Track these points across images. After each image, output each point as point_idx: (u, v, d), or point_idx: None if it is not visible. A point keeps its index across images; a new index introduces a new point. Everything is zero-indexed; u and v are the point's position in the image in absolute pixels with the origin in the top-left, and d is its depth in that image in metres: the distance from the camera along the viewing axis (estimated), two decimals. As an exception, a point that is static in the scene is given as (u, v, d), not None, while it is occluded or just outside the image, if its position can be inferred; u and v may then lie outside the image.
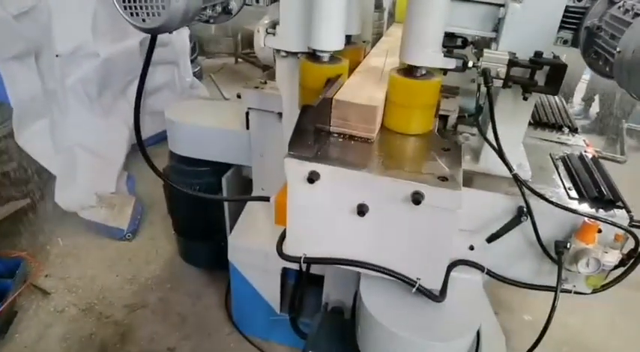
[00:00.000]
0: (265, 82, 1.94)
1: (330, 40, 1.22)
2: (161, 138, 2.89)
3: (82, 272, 2.61)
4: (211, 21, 1.25)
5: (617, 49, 0.89)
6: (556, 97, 2.03)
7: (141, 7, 1.00)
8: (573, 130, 1.72)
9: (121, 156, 3.18)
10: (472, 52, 1.48)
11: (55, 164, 2.84)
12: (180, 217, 2.42)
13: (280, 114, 1.85)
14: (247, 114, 1.97)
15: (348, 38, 1.45)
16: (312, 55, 1.28)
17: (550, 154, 1.51)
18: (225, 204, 2.24)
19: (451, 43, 1.38)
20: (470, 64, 1.15)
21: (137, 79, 3.32)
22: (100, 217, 2.84)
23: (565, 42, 1.17)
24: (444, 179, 1.04)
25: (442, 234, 1.08)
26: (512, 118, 1.24)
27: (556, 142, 1.64)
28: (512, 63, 1.10)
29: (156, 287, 2.55)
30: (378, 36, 1.84)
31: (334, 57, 1.29)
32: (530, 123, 1.74)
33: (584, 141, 1.69)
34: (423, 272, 1.13)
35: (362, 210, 1.06)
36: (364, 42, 1.58)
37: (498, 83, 1.12)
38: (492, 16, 1.20)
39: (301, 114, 1.04)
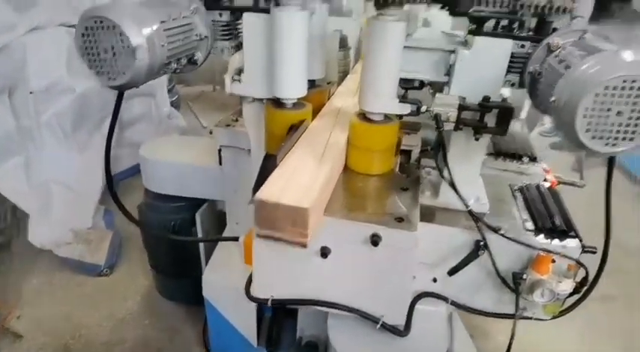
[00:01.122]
0: (237, 119, 1.98)
1: (292, 88, 1.28)
2: (138, 170, 2.91)
3: (57, 311, 2.57)
4: (177, 71, 1.29)
5: (552, 99, 0.96)
6: (518, 125, 2.13)
7: (106, 67, 1.05)
8: (533, 159, 1.80)
9: (97, 190, 3.16)
10: (429, 92, 1.56)
11: (29, 202, 2.82)
12: (156, 253, 2.42)
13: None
14: (220, 151, 2.01)
15: (312, 82, 1.52)
16: (277, 101, 1.34)
17: (509, 185, 1.58)
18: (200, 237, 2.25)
19: (408, 84, 1.46)
20: (423, 108, 1.22)
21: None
22: (76, 254, 2.81)
23: (513, 85, 1.25)
24: (400, 220, 1.09)
25: (401, 271, 1.13)
26: (466, 157, 1.30)
27: (516, 172, 1.72)
28: (462, 107, 1.18)
29: (134, 323, 2.52)
30: (344, 74, 1.91)
31: (298, 102, 1.35)
32: (491, 154, 1.83)
33: (543, 169, 1.78)
34: (386, 308, 1.17)
35: (324, 253, 1.10)
36: (329, 83, 1.65)
37: (450, 126, 1.19)
38: (444, 62, 1.27)
39: (263, 162, 1.08)
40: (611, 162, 1.09)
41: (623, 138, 0.90)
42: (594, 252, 1.31)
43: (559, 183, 1.89)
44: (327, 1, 1.53)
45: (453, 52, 1.24)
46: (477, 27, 1.19)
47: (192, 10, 1.25)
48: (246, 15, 1.28)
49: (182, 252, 2.30)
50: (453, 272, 1.33)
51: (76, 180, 3.08)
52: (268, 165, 1.06)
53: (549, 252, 1.22)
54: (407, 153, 1.66)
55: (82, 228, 2.93)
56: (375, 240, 1.05)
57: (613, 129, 0.90)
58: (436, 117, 1.16)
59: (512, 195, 1.53)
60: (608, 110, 0.88)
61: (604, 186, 1.17)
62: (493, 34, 1.18)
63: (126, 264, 2.95)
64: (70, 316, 2.53)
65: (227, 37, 1.34)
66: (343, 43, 1.88)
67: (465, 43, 1.25)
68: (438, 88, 1.46)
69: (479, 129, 1.20)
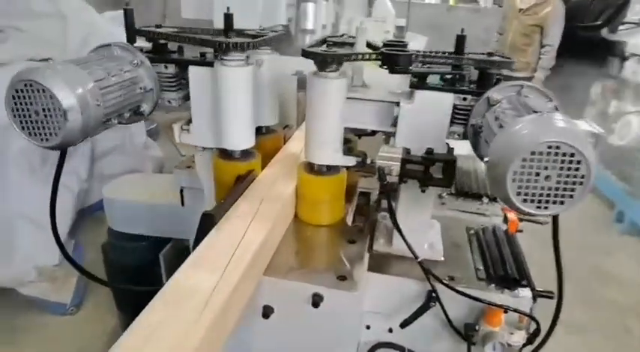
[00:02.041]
0: (198, 160, 1.96)
1: (239, 139, 1.27)
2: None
3: (19, 355, 2.49)
4: (124, 122, 1.28)
5: (485, 159, 0.96)
6: (481, 164, 2.13)
7: (37, 129, 1.03)
8: (493, 199, 1.80)
9: (65, 224, 3.10)
10: (382, 137, 1.56)
11: (-8, 238, 2.76)
12: (121, 294, 2.36)
13: (214, 192, 1.88)
14: (182, 191, 1.98)
15: (267, 127, 1.51)
16: (225, 151, 1.32)
17: (466, 228, 1.57)
18: (164, 278, 2.20)
19: (360, 131, 1.46)
20: (369, 161, 1.22)
21: (83, 145, 3.26)
22: (40, 292, 2.74)
23: (458, 135, 1.25)
24: (342, 278, 1.07)
25: (346, 331, 1.10)
26: (415, 207, 1.30)
27: (475, 213, 1.72)
28: (405, 160, 1.17)
29: (99, 365, 2.45)
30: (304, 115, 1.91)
31: (247, 151, 1.34)
32: (452, 194, 1.83)
33: (502, 209, 1.78)
34: (333, 368, 1.14)
35: (266, 313, 1.08)
36: (286, 127, 1.64)
37: (394, 179, 1.19)
38: (389, 113, 1.28)
39: (200, 222, 1.06)
40: (555, 220, 1.08)
41: (554, 202, 0.90)
42: (551, 297, 1.30)
43: (520, 220, 1.89)
44: (288, 46, 1.53)
45: (397, 103, 1.25)
46: (419, 80, 1.19)
47: (135, 64, 1.24)
48: (191, 68, 1.27)
49: (148, 292, 2.25)
50: (404, 324, 1.30)
51: (42, 214, 2.99)
52: (205, 225, 1.04)
53: (496, 305, 1.21)
54: (366, 195, 1.66)
55: (48, 265, 2.86)
56: (315, 301, 1.03)
57: (543, 193, 0.89)
58: (379, 171, 1.16)
59: (468, 240, 1.52)
60: (537, 174, 0.88)
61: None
62: (434, 87, 1.19)
63: (93, 301, 2.87)
64: (32, 360, 2.45)
65: (174, 89, 1.33)
66: (303, 84, 1.88)
67: (409, 96, 1.25)
68: (389, 135, 1.46)
69: (424, 181, 1.20)
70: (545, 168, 0.87)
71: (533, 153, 0.86)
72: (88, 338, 2.61)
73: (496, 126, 1.01)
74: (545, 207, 0.91)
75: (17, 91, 1.00)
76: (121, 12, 1.32)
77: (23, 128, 1.04)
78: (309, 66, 2.04)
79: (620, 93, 4.57)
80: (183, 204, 2.02)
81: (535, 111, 0.95)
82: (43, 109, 1.01)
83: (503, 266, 1.34)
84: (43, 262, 2.83)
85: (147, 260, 2.18)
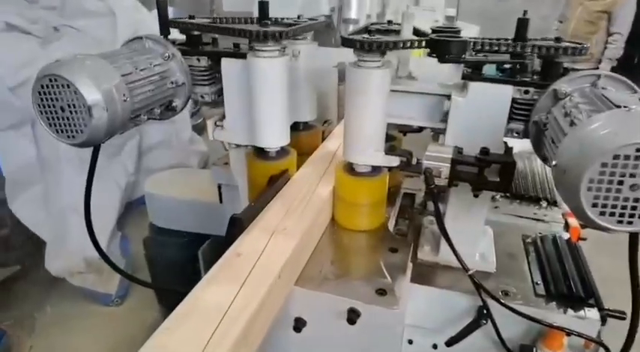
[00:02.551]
0: (236, 157, 1.91)
1: (272, 138, 1.19)
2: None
3: (66, 343, 2.56)
4: (155, 118, 1.23)
5: (553, 163, 0.82)
6: (538, 161, 1.94)
7: (64, 126, 0.99)
8: (552, 203, 1.62)
9: (112, 217, 3.18)
10: (430, 134, 1.43)
11: (46, 230, 2.87)
12: (162, 290, 2.37)
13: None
14: (219, 188, 1.94)
15: (304, 123, 1.42)
16: (259, 149, 1.25)
17: (522, 237, 1.41)
18: (203, 275, 2.18)
19: (406, 128, 1.33)
20: (414, 161, 1.10)
21: (131, 140, 3.34)
22: (88, 283, 2.82)
23: (517, 134, 1.10)
24: (382, 292, 0.97)
25: (384, 350, 0.99)
26: (466, 213, 1.16)
27: (532, 219, 1.55)
28: (456, 161, 1.04)
29: (140, 357, 2.48)
30: (346, 109, 1.80)
31: (282, 149, 1.25)
32: (506, 196, 1.66)
33: (563, 214, 1.59)
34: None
35: (298, 326, 0.99)
36: (325, 122, 1.54)
37: (442, 182, 1.06)
38: (439, 108, 1.14)
39: (229, 226, 0.99)
40: (633, 239, 0.90)
41: None
42: (623, 318, 1.13)
43: (583, 227, 1.69)
44: (329, 37, 1.43)
45: (448, 97, 1.11)
46: (473, 71, 1.05)
47: (166, 57, 1.18)
48: (224, 60, 1.20)
49: (188, 287, 2.24)
50: (451, 343, 1.18)
51: (92, 207, 3.10)
52: (234, 230, 0.97)
53: (559, 328, 1.05)
54: (411, 197, 1.53)
55: (95, 257, 2.94)
56: (351, 317, 0.93)
57: (627, 205, 0.74)
58: (425, 174, 1.03)
59: (524, 249, 1.36)
60: (620, 183, 0.72)
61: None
62: (491, 79, 1.04)
63: (137, 294, 2.92)
64: (77, 348, 2.52)
65: (207, 83, 1.27)
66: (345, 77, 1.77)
67: (461, 88, 1.12)
68: (438, 132, 1.33)
69: (477, 185, 1.06)
70: (632, 175, 0.71)
71: (616, 156, 0.70)
72: (131, 329, 2.65)
73: (566, 123, 0.86)
74: (629, 222, 0.75)
75: (43, 87, 0.97)
76: (171, 9, 1.27)
77: (50, 125, 1.00)
78: (351, 57, 1.94)
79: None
80: (221, 200, 1.98)
81: (617, 106, 0.79)
82: (69, 105, 0.96)
83: (567, 283, 1.18)
84: (91, 254, 2.91)
85: (186, 256, 2.17)
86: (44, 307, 2.81)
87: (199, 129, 4.92)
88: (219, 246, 2.25)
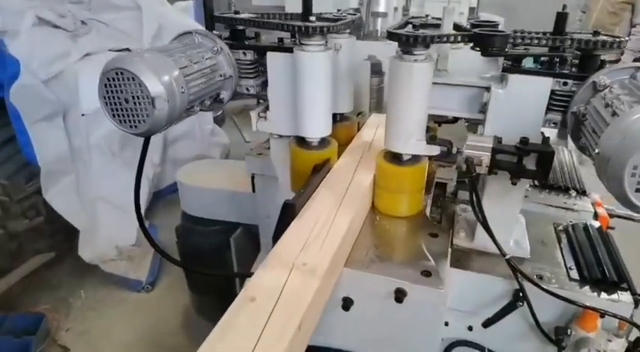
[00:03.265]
0: (269, 148, 1.97)
1: (316, 128, 1.25)
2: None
3: (101, 327, 2.67)
4: (205, 109, 1.29)
5: (596, 151, 0.86)
6: (566, 151, 1.97)
7: (127, 116, 1.06)
8: (581, 193, 1.66)
9: (141, 207, 3.27)
10: (464, 125, 1.47)
11: (79, 218, 2.97)
12: (192, 275, 2.46)
13: (284, 179, 1.89)
14: (252, 178, 2.01)
15: (341, 115, 1.47)
16: (301, 139, 1.30)
17: (554, 224, 1.45)
18: (234, 262, 2.26)
19: (441, 118, 1.38)
20: (454, 150, 1.14)
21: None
22: (119, 270, 2.92)
23: (555, 124, 1.14)
24: (427, 274, 1.02)
25: (428, 327, 1.05)
26: (503, 201, 1.21)
27: (562, 208, 1.59)
28: (496, 150, 1.09)
29: (171, 342, 2.58)
30: (378, 100, 1.85)
31: (323, 139, 1.31)
32: (535, 186, 1.70)
33: (592, 204, 1.63)
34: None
35: (347, 305, 1.05)
36: (359, 114, 1.60)
37: (483, 170, 1.11)
38: (478, 99, 1.19)
39: (282, 212, 1.05)
40: None
41: (680, 200, 0.79)
42: (648, 302, 1.17)
43: (611, 216, 1.73)
44: (357, 31, 1.48)
45: (487, 89, 1.16)
46: (513, 64, 1.10)
47: (215, 51, 1.24)
48: (270, 54, 1.26)
49: (218, 274, 2.32)
50: (487, 324, 1.23)
51: (121, 197, 3.20)
52: (287, 215, 1.03)
53: (594, 309, 1.10)
54: (442, 186, 1.58)
55: (126, 245, 3.04)
56: (398, 297, 0.99)
57: (667, 190, 0.79)
58: (467, 163, 1.08)
59: (556, 237, 1.40)
60: (661, 169, 0.77)
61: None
62: (530, 71, 1.09)
63: (166, 281, 3.02)
64: (111, 332, 2.63)
65: (252, 76, 1.33)
66: (376, 69, 1.82)
67: (500, 80, 1.16)
68: (473, 123, 1.37)
69: (516, 173, 1.11)
70: (673, 162, 0.76)
71: (659, 145, 0.75)
72: (162, 315, 2.75)
73: (608, 113, 0.91)
74: (668, 206, 0.80)
75: (109, 80, 1.03)
76: (191, 2, 1.33)
77: (114, 115, 1.07)
78: (380, 50, 1.99)
79: None
80: (254, 190, 2.04)
81: (659, 97, 0.84)
82: (133, 97, 1.03)
83: (600, 268, 1.22)
84: (122, 242, 3.01)
85: (218, 243, 2.25)
86: (78, 292, 2.92)
87: (219, 121, 5.00)
88: (250, 234, 2.33)
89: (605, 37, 1.08)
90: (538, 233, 1.42)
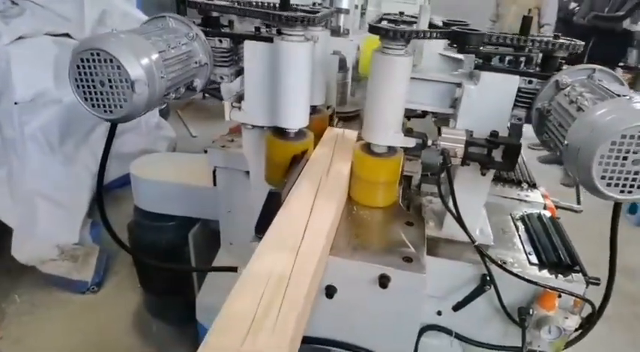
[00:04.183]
0: (232, 140, 1.94)
1: (296, 119, 1.25)
2: (127, 181, 2.84)
3: (40, 332, 2.48)
4: (178, 97, 1.25)
5: (565, 143, 0.94)
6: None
7: (102, 100, 1.00)
8: (532, 186, 1.79)
9: (84, 204, 3.08)
10: (432, 119, 1.54)
11: (13, 216, 2.73)
12: (146, 273, 2.35)
13: (247, 172, 1.86)
14: (214, 171, 1.96)
15: (314, 107, 1.48)
16: (278, 130, 1.30)
17: (511, 214, 1.56)
18: (192, 258, 2.20)
19: (411, 113, 1.43)
20: (429, 142, 1.19)
21: (99, 125, 3.22)
22: (61, 270, 2.73)
23: (519, 119, 1.23)
24: (408, 260, 1.06)
25: (410, 312, 1.09)
26: (471, 191, 1.28)
27: (516, 199, 1.71)
28: (469, 143, 1.15)
29: (122, 344, 2.45)
30: (342, 96, 1.88)
31: (300, 131, 1.31)
32: (492, 179, 1.81)
33: (542, 196, 1.77)
34: (392, 346, 1.14)
35: (330, 293, 1.07)
36: (329, 107, 1.61)
37: (457, 161, 1.17)
38: (449, 94, 1.25)
39: (267, 199, 1.04)
40: (617, 207, 1.07)
41: (639, 187, 0.88)
42: (598, 284, 1.30)
43: (557, 207, 1.89)
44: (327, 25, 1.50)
45: (458, 85, 1.22)
46: (484, 62, 1.17)
47: (190, 37, 1.20)
48: (247, 42, 1.24)
49: (176, 271, 2.24)
50: (458, 307, 1.30)
51: (62, 193, 2.99)
52: (272, 202, 1.02)
53: (556, 289, 1.20)
54: (408, 179, 1.64)
55: (68, 244, 2.85)
56: (383, 282, 1.02)
57: (629, 178, 0.88)
58: (443, 154, 1.14)
59: (514, 225, 1.51)
60: (624, 159, 0.86)
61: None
62: (500, 69, 1.16)
63: (114, 281, 2.87)
64: (54, 337, 2.45)
65: (227, 64, 1.30)
66: (342, 65, 1.85)
67: (471, 77, 1.23)
68: (441, 117, 1.44)
69: (485, 164, 1.18)
70: (635, 152, 0.85)
71: (623, 136, 0.84)
72: (110, 317, 2.61)
73: (573, 109, 0.99)
74: (630, 192, 0.89)
75: (82, 61, 0.97)
76: None
77: (86, 99, 1.01)
78: (344, 46, 2.02)
79: (637, 86, 4.54)
80: (215, 184, 2.00)
81: (618, 95, 0.93)
82: (109, 80, 0.98)
83: (555, 253, 1.33)
84: (64, 240, 2.82)
85: (175, 240, 2.17)
86: (12, 297, 2.69)
87: (163, 114, 4.81)
88: (209, 229, 2.27)
89: (563, 40, 1.18)
90: (498, 222, 1.51)
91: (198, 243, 2.21)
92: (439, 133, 1.18)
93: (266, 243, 0.92)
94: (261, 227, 1.04)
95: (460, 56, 1.70)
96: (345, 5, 2.13)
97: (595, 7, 4.71)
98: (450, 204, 1.24)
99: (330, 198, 1.11)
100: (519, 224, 1.51)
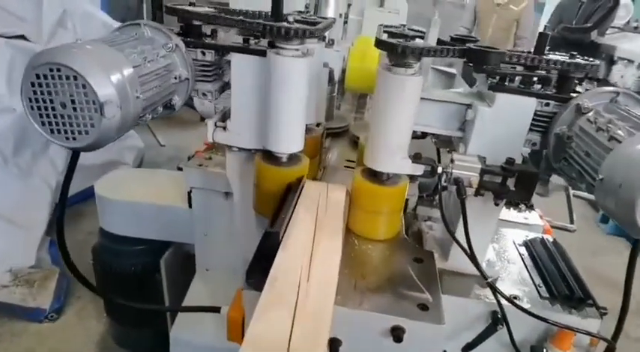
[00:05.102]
0: (210, 158, 1.77)
1: (290, 142, 1.11)
2: (89, 195, 2.59)
3: (-10, 369, 2.22)
4: (155, 117, 1.08)
5: (600, 176, 0.84)
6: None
7: (63, 124, 0.83)
8: (529, 207, 1.72)
9: (42, 221, 2.82)
10: (432, 141, 1.43)
11: (-41, 238, 2.46)
12: (113, 301, 2.14)
13: (227, 193, 1.70)
14: (190, 192, 1.79)
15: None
16: (268, 154, 1.15)
17: (513, 242, 1.47)
18: (165, 286, 2.01)
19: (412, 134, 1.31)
20: (439, 170, 1.08)
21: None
22: (14, 298, 2.46)
23: (534, 144, 1.13)
24: (424, 308, 0.94)
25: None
26: (481, 221, 1.17)
27: (515, 222, 1.63)
28: (484, 171, 1.05)
29: (84, 378, 2.22)
30: (328, 110, 1.75)
31: (294, 154, 1.17)
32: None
33: (540, 217, 1.70)
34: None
35: (336, 347, 0.93)
36: (318, 125, 1.48)
37: (470, 191, 1.06)
38: (458, 116, 1.14)
39: (263, 239, 0.90)
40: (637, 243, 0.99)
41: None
42: (605, 313, 1.22)
43: (552, 227, 1.83)
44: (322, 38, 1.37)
45: (469, 106, 1.12)
46: (499, 82, 1.07)
47: (169, 48, 1.04)
48: (235, 56, 1.09)
49: (143, 299, 2.04)
50: (468, 348, 1.19)
51: (16, 210, 2.72)
52: (269, 243, 0.88)
53: (572, 329, 1.11)
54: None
55: (23, 267, 2.58)
56: (397, 334, 0.89)
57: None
58: (457, 183, 1.03)
59: (517, 252, 1.42)
60: (670, 198, 0.77)
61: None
62: (517, 90, 1.06)
63: (76, 306, 2.61)
64: (6, 374, 2.20)
65: (210, 79, 1.15)
66: (330, 77, 1.72)
67: (481, 97, 1.12)
68: (444, 139, 1.33)
69: (500, 194, 1.07)
70: (684, 190, 0.76)
71: (672, 174, 0.75)
72: (71, 347, 2.37)
73: (604, 138, 0.90)
74: (672, 233, 0.81)
75: (39, 77, 0.80)
76: None
77: (44, 124, 0.83)
78: (330, 57, 1.89)
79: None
80: (190, 205, 1.82)
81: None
82: (73, 101, 0.81)
83: (565, 283, 1.25)
84: (18, 264, 2.55)
85: (145, 265, 1.98)
86: (-43, 328, 2.41)
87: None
88: (182, 254, 2.09)
89: (580, 60, 1.09)
90: (501, 250, 1.42)
91: (171, 268, 2.02)
92: (438, 154, 1.08)
93: (266, 300, 0.77)
94: (255, 272, 0.90)
95: (453, 70, 1.59)
96: (331, 14, 2.01)
97: (564, 18, 4.79)
98: (460, 237, 1.13)
99: (332, 234, 0.97)
100: (523, 250, 1.42)
